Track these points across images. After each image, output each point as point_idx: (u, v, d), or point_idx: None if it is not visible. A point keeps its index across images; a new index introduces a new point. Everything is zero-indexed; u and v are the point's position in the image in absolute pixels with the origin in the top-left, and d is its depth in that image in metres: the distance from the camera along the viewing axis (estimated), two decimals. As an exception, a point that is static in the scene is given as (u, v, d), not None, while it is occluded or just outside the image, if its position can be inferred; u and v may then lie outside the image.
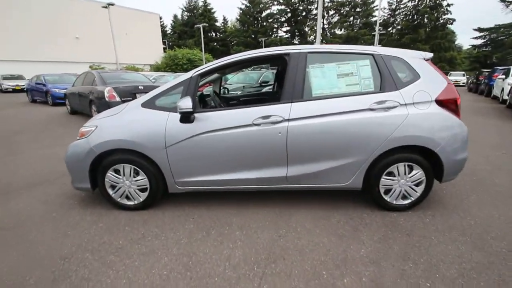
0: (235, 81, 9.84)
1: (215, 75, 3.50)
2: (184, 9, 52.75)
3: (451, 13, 38.40)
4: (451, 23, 38.60)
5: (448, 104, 2.27)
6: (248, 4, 47.46)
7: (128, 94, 6.52)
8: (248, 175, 2.35)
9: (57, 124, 7.30)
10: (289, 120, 2.22)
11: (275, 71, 10.93)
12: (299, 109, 2.22)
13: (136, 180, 2.42)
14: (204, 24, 33.43)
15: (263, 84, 8.86)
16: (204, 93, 3.54)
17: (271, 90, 4.79)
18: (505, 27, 32.87)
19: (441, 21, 38.80)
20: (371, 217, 2.39)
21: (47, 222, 2.41)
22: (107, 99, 6.28)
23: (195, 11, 51.67)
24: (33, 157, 4.43)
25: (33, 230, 2.29)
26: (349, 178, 2.35)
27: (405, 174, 2.34)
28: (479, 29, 35.92)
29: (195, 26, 38.78)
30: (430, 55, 2.40)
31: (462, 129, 2.29)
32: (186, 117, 2.22)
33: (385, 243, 2.03)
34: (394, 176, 2.35)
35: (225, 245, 2.03)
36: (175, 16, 55.19)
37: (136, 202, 2.50)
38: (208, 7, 51.06)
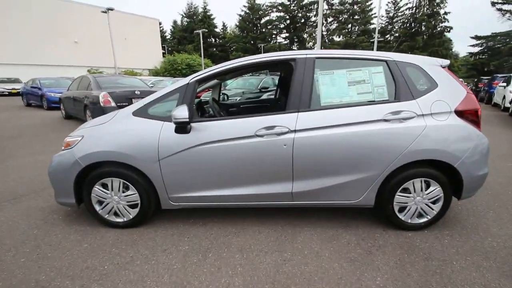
0: (234, 87, 9.68)
1: (214, 81, 3.31)
2: (184, 15, 53.02)
3: (448, 21, 38.84)
4: (448, 31, 39.02)
5: (468, 115, 2.08)
6: (247, 11, 47.80)
7: (124, 99, 6.32)
8: (250, 190, 2.14)
9: (50, 129, 7.06)
10: (295, 131, 2.02)
11: (274, 77, 10.89)
12: (307, 119, 2.03)
13: (125, 196, 2.20)
14: (204, 29, 33.49)
15: (263, 90, 8.70)
16: (202, 99, 3.34)
17: (272, 97, 4.60)
18: (502, 35, 33.21)
19: (439, 29, 39.21)
20: (384, 237, 2.17)
21: (28, 240, 2.18)
22: (102, 104, 6.06)
23: (194, 17, 51.95)
24: (22, 164, 4.19)
25: (11, 250, 2.05)
26: (360, 194, 2.14)
27: (421, 190, 2.14)
28: (476, 37, 36.29)
29: (195, 31, 38.87)
30: (446, 62, 2.22)
31: (483, 142, 2.10)
32: (182, 128, 2.02)
33: (403, 269, 1.82)
34: (410, 193, 2.15)
35: (224, 271, 1.80)
36: (175, 22, 55.48)
37: (125, 219, 2.27)
38: (208, 13, 51.35)
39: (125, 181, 2.15)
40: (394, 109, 2.02)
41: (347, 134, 2.00)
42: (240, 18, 48.85)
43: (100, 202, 2.25)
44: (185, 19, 52.95)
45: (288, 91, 3.21)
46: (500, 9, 31.59)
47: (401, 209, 2.20)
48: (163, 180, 2.12)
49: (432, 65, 2.17)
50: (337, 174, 2.08)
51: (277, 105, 3.44)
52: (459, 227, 2.35)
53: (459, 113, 2.06)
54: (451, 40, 41.14)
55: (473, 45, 37.41)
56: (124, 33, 31.50)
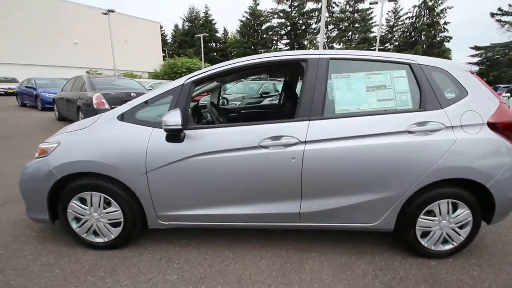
0: (234, 91, 9.44)
1: (214, 84, 3.04)
2: (185, 19, 53.15)
3: (448, 31, 39.10)
4: (448, 41, 39.24)
5: (502, 127, 1.81)
6: (249, 17, 48.00)
7: (119, 101, 6.02)
8: (252, 210, 1.85)
9: (41, 131, 6.75)
10: (305, 142, 1.74)
11: (276, 82, 10.68)
12: (319, 129, 1.75)
13: (107, 213, 1.90)
14: (205, 34, 33.44)
15: (264, 95, 8.46)
16: (200, 103, 3.06)
17: (276, 102, 4.31)
18: (501, 46, 33.44)
19: (438, 39, 39.45)
20: (405, 267, 1.88)
21: (-10, 263, 1.87)
22: (95, 106, 5.78)
23: (196, 21, 52.09)
24: (3, 168, 3.88)
25: (-31, 275, 1.74)
26: (378, 217, 1.86)
27: (448, 213, 1.86)
28: (476, 47, 36.51)
29: (196, 35, 38.87)
30: (475, 67, 1.97)
31: None
32: (174, 136, 1.73)
33: (431, 310, 1.52)
34: (434, 216, 1.87)
35: (218, 310, 1.50)
36: (176, 26, 55.58)
37: (106, 239, 1.97)
38: (209, 18, 51.50)
39: (107, 196, 1.86)
40: (420, 119, 1.75)
41: (365, 147, 1.73)
42: (241, 23, 49.05)
43: (77, 219, 1.95)
44: (187, 23, 53.12)
45: (293, 96, 2.93)
46: (499, 20, 31.86)
47: (424, 234, 1.92)
48: (151, 196, 1.83)
49: (461, 70, 1.91)
50: (352, 193, 1.80)
51: (282, 111, 3.17)
52: (487, 254, 2.06)
53: (492, 126, 1.80)
54: (450, 50, 41.43)
55: (472, 55, 37.62)
56: (125, 35, 31.38)
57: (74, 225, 1.95)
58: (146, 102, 1.89)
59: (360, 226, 1.91)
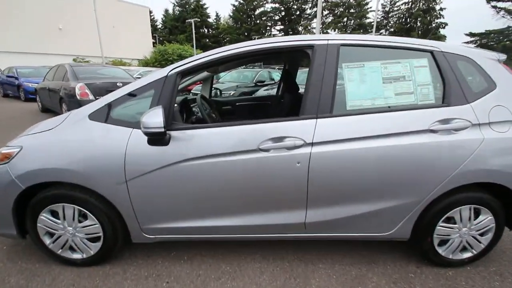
0: (228, 80, 9.05)
1: (204, 74, 2.74)
2: (176, 3, 51.11)
3: (443, 17, 38.67)
4: (443, 27, 38.89)
5: (534, 124, 1.60)
6: (241, 1, 46.48)
7: (104, 91, 5.61)
8: (250, 221, 1.62)
9: (21, 123, 6.32)
10: (312, 144, 1.49)
11: (271, 70, 10.29)
12: (328, 129, 1.50)
13: (83, 227, 1.64)
14: (196, 19, 32.26)
15: (259, 84, 8.12)
16: (190, 97, 2.76)
17: (273, 93, 3.99)
18: (496, 33, 33.21)
19: (434, 25, 39.03)
20: (420, 278, 1.70)
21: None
22: (78, 97, 5.39)
23: (187, 6, 50.19)
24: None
25: None
26: (394, 225, 1.65)
27: (469, 220, 1.67)
28: (470, 34, 36.22)
29: (187, 21, 37.48)
30: (503, 56, 1.72)
31: None
32: (157, 139, 1.46)
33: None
34: (454, 223, 1.67)
35: None
36: (166, 11, 53.50)
37: (84, 255, 1.72)
38: (201, 3, 49.66)
39: (81, 208, 1.60)
40: (444, 116, 1.52)
41: (381, 149, 1.50)
42: (234, 8, 47.59)
43: (50, 234, 1.69)
44: (177, 8, 51.20)
45: (293, 87, 2.62)
46: (495, 7, 31.47)
47: (442, 242, 1.73)
48: (133, 207, 1.58)
49: (488, 59, 1.66)
50: (365, 201, 1.58)
51: (281, 104, 2.90)
52: (507, 260, 1.90)
53: (523, 123, 1.58)
54: (445, 37, 41.12)
55: (466, 42, 37.42)
56: (112, 21, 29.99)
57: (46, 241, 1.70)
58: (123, 97, 1.60)
59: (372, 236, 1.70)
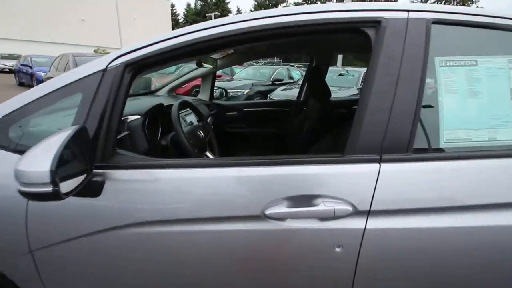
0: (243, 76, 8.33)
1: (200, 70, 2.04)
2: (198, -3, 51.25)
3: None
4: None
5: None
6: (263, -4, 45.72)
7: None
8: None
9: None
10: (369, 213, 0.76)
11: (288, 68, 9.50)
12: (402, 184, 0.76)
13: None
14: (216, 13, 31.79)
15: (276, 83, 7.37)
16: (193, 98, 2.01)
17: (293, 97, 3.04)
18: None
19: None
20: None
21: None
22: (76, 90, 4.91)
23: (208, 0, 50.13)
24: None
25: None
26: None
27: None
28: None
29: (207, 15, 37.23)
30: None
31: None
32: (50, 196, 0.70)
33: None
34: None
35: None
36: (188, 5, 53.96)
37: None
38: (222, -3, 49.43)
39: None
40: None
41: (501, 229, 0.74)
42: (256, 3, 46.96)
43: None
44: (199, 2, 51.38)
45: (323, 91, 1.91)
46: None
47: None
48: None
49: None
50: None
51: (302, 113, 2.13)
52: None
53: None
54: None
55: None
56: (134, 13, 30.21)
57: None
58: (28, 107, 0.91)
59: None
